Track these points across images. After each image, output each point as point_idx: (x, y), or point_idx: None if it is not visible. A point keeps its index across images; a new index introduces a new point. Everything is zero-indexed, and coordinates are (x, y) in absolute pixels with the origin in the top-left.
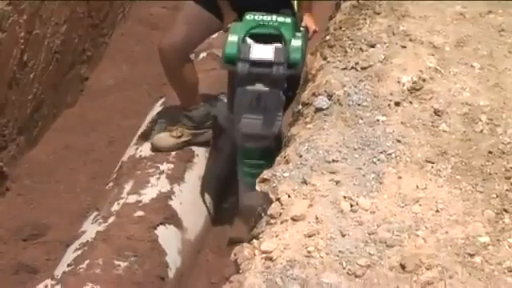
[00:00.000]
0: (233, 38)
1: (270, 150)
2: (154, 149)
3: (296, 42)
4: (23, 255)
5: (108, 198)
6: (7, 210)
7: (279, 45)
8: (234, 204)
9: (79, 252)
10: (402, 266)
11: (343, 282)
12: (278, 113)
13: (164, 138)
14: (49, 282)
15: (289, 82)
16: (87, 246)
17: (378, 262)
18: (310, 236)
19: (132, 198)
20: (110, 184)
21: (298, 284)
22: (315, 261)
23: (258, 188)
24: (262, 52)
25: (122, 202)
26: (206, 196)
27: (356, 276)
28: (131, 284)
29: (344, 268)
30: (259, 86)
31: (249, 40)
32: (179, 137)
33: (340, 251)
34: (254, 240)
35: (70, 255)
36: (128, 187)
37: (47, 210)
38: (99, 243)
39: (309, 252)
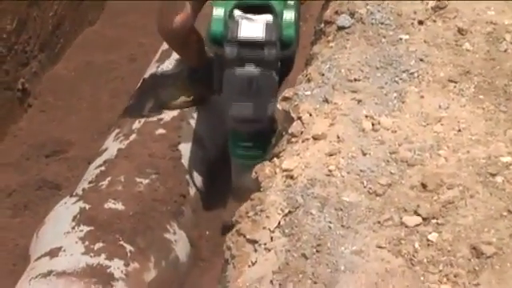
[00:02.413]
0: (218, 12)
1: (264, 131)
2: (162, 105)
3: (289, 14)
4: (46, 171)
5: (129, 116)
6: (30, 126)
7: (270, 18)
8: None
9: (101, 169)
10: (423, 185)
11: (364, 201)
12: (272, 95)
13: (173, 95)
14: (72, 197)
15: (283, 61)
16: (109, 163)
17: (399, 181)
18: (331, 155)
19: (153, 116)
20: (132, 102)
21: (318, 202)
22: (336, 179)
23: (278, 107)
24: (252, 30)
25: (143, 119)
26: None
27: (377, 195)
28: (152, 201)
29: (365, 187)
30: (250, 68)
31: (237, 13)
32: (189, 96)
33: (361, 170)
34: (275, 158)
35: (92, 172)
36: (149, 105)
37: (69, 126)
38: (121, 160)
39: (330, 171)
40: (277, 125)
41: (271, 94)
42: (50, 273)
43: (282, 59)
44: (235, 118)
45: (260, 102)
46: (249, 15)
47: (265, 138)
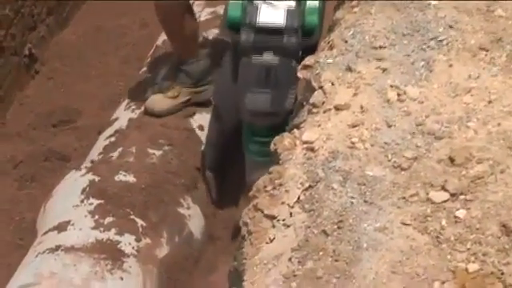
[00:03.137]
0: None
1: (282, 126)
2: (148, 113)
3: (313, 0)
4: (53, 142)
5: (141, 84)
6: (37, 93)
7: (292, 3)
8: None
9: (111, 139)
10: (451, 159)
11: (388, 175)
12: (292, 86)
13: (158, 100)
14: (80, 169)
15: (305, 50)
16: (119, 134)
17: (426, 155)
18: (354, 126)
19: (167, 85)
20: (144, 69)
21: (340, 176)
22: (359, 152)
23: (299, 75)
24: (271, 15)
25: (156, 87)
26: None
27: (402, 169)
28: (165, 174)
29: (389, 160)
30: (268, 57)
31: None
32: (176, 97)
33: (385, 143)
34: (295, 130)
35: (102, 143)
36: (163, 72)
37: (78, 94)
38: (132, 131)
39: (352, 143)
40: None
41: (291, 85)
42: (58, 248)
43: (303, 48)
44: (250, 110)
45: (278, 93)
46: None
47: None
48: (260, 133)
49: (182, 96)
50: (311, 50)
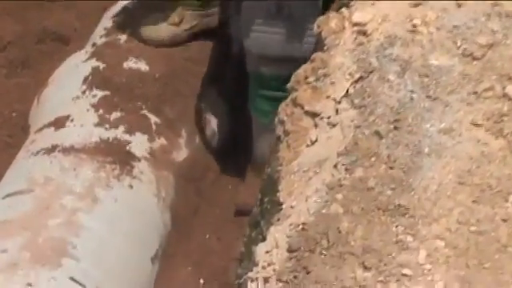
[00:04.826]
0: None
1: None
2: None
3: None
4: (49, 20)
5: None
6: None
7: None
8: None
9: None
10: None
11: (457, 65)
12: (311, 23)
13: (157, 28)
14: (82, 53)
15: None
16: (129, 11)
17: (503, 41)
18: (416, 5)
19: None
20: None
21: (398, 66)
22: (422, 38)
23: None
24: None
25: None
26: None
27: (473, 58)
28: (184, 60)
29: (458, 47)
30: None
31: None
32: (179, 23)
33: (454, 26)
34: (344, 9)
35: (107, 21)
36: None
37: None
38: None
39: (414, 26)
40: None
41: (310, 20)
42: (54, 148)
43: None
44: (257, 54)
45: (293, 31)
46: None
47: None
48: (270, 85)
49: (186, 21)
50: None
